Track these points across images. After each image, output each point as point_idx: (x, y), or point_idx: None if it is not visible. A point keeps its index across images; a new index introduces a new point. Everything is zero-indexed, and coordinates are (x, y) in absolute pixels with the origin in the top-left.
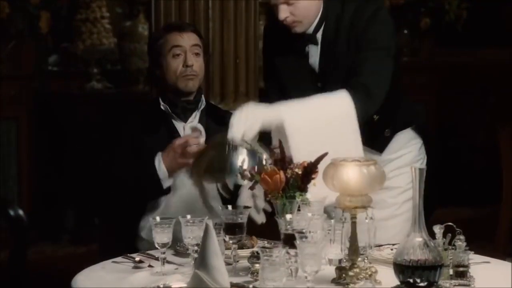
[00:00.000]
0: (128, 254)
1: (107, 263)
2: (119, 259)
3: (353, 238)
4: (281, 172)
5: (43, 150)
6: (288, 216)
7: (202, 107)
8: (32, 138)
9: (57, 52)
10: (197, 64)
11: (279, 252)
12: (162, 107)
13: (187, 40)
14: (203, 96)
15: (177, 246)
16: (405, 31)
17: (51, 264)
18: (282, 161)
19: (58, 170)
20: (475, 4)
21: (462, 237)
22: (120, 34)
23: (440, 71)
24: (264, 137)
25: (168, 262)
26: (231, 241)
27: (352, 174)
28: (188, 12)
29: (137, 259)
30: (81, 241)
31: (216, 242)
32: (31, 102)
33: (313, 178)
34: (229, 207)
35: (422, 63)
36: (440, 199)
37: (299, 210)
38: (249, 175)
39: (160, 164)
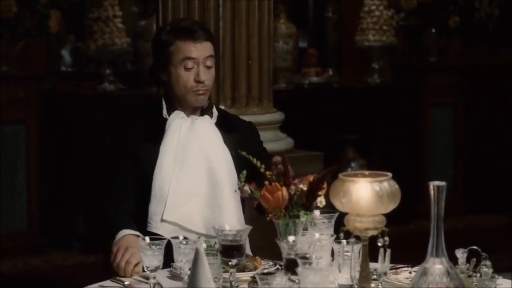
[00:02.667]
0: (117, 277)
1: None
2: (107, 282)
3: (364, 264)
4: (284, 189)
5: (53, 154)
6: (291, 238)
7: (215, 121)
8: (41, 142)
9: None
10: (209, 77)
11: (280, 280)
12: (164, 116)
13: (202, 51)
14: (214, 108)
15: (172, 267)
16: (433, 30)
17: (60, 274)
18: (285, 176)
19: (68, 174)
20: (507, 1)
21: (488, 262)
22: (134, 33)
23: (469, 72)
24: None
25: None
26: (228, 265)
27: (363, 192)
28: (197, 11)
29: (126, 283)
30: (92, 249)
31: (207, 267)
32: (40, 104)
33: (319, 196)
34: (226, 226)
35: (450, 63)
36: (472, 206)
37: (306, 229)
38: (248, 190)
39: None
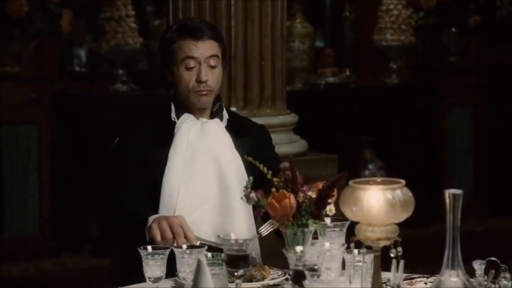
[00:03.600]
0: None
1: None
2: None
3: (376, 276)
4: (292, 196)
5: (65, 156)
6: (299, 249)
7: (225, 124)
8: (53, 143)
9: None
10: (213, 77)
11: None
12: (173, 119)
13: (203, 50)
14: (224, 111)
15: (176, 277)
16: (453, 30)
17: (71, 277)
18: (293, 182)
19: (81, 176)
20: None
21: (507, 274)
22: (148, 33)
23: (489, 72)
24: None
25: None
26: (234, 275)
27: (374, 200)
28: (208, 10)
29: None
30: (104, 253)
31: (209, 279)
32: (52, 105)
33: (329, 203)
34: (232, 235)
35: (470, 63)
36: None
37: (316, 237)
38: (255, 198)
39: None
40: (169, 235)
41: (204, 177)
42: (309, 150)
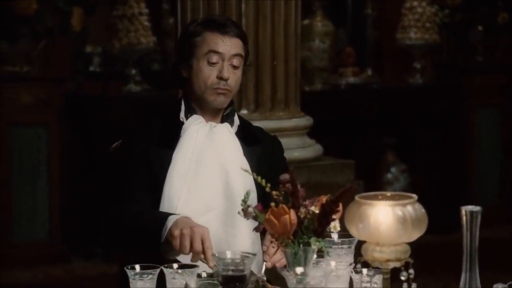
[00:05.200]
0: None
1: None
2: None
3: None
4: (292, 212)
5: (75, 158)
6: (299, 270)
7: (235, 130)
8: (63, 145)
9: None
10: (234, 77)
11: None
12: (181, 119)
13: (229, 47)
14: (236, 116)
15: None
16: (480, 27)
17: (81, 284)
18: (294, 196)
19: (92, 179)
20: None
21: None
22: (163, 32)
23: None
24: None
25: None
26: None
27: (383, 217)
28: (218, 7)
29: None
30: (115, 258)
31: None
32: (63, 106)
33: (333, 220)
34: (228, 254)
35: (498, 63)
36: None
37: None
38: (253, 213)
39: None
40: (187, 247)
41: (208, 183)
42: (326, 154)
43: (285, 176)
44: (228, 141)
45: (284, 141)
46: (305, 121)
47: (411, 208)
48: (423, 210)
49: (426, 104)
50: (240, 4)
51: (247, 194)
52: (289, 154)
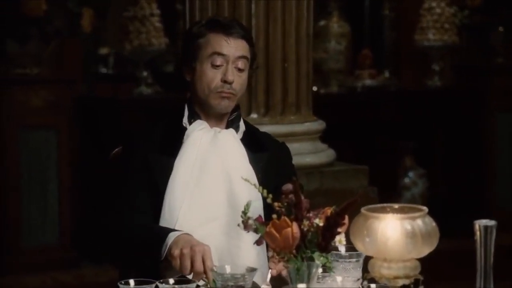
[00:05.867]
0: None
1: None
2: None
3: None
4: (294, 224)
5: (86, 162)
6: (302, 286)
7: (240, 137)
8: (73, 149)
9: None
10: (239, 81)
11: None
12: (184, 124)
13: (234, 49)
14: (242, 121)
15: None
16: (500, 29)
17: None
18: (297, 208)
19: (102, 184)
20: None
21: None
22: (176, 33)
23: None
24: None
25: None
26: None
27: (391, 231)
28: (227, 7)
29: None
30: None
31: None
32: (73, 109)
33: (338, 233)
34: (227, 268)
35: None
36: None
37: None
38: (253, 225)
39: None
40: (188, 267)
41: (211, 192)
42: (342, 158)
43: (288, 186)
44: (233, 148)
45: (296, 146)
46: (317, 125)
47: (421, 221)
48: (434, 224)
49: (444, 107)
50: (250, 4)
51: (247, 205)
52: (300, 160)
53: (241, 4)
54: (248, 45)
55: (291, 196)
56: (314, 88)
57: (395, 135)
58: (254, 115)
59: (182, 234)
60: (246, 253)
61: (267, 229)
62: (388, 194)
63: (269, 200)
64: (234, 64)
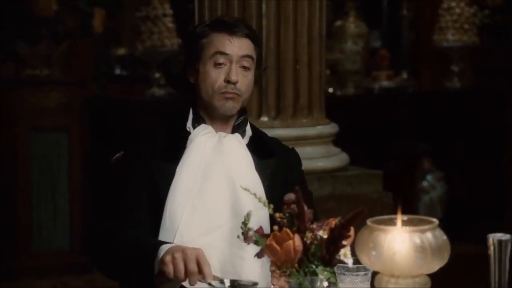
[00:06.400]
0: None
1: None
2: None
3: None
4: (296, 237)
5: (97, 164)
6: None
7: (246, 142)
8: (85, 151)
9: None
10: (244, 81)
11: None
12: (187, 128)
13: (237, 48)
14: (248, 126)
15: None
16: None
17: None
18: (300, 219)
19: (102, 190)
20: None
21: None
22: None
23: None
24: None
25: None
26: None
27: (398, 244)
28: (237, 7)
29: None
30: None
31: None
32: (84, 111)
33: (343, 246)
34: (226, 282)
35: None
36: None
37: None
38: (253, 237)
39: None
40: (182, 270)
41: (215, 199)
42: (358, 160)
43: (290, 196)
44: (238, 154)
45: (308, 150)
46: (330, 128)
47: (431, 234)
48: (445, 237)
49: (464, 109)
50: (261, 4)
51: (248, 215)
52: (312, 164)
53: (251, 3)
54: (253, 45)
55: (293, 206)
56: (330, 90)
57: (413, 137)
58: (264, 118)
59: (174, 245)
60: (250, 265)
61: (268, 242)
62: (405, 198)
63: (270, 211)
64: (238, 64)
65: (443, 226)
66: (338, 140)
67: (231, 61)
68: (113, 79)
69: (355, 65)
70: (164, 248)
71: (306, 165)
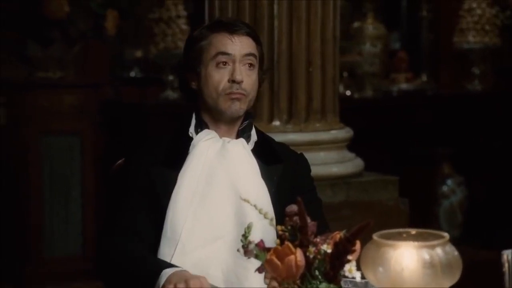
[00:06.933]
0: None
1: None
2: None
3: None
4: (299, 251)
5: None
6: None
7: (251, 147)
8: (98, 156)
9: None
10: (249, 81)
11: None
12: (190, 134)
13: (239, 46)
14: (254, 131)
15: None
16: None
17: None
18: (302, 232)
19: (104, 199)
20: None
21: None
22: None
23: None
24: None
25: None
26: None
27: (406, 260)
28: (248, 8)
29: None
30: None
31: None
32: (97, 114)
33: (348, 261)
34: None
35: None
36: None
37: None
38: (254, 252)
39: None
40: None
41: (218, 207)
42: (373, 165)
43: (292, 207)
44: (242, 160)
45: (321, 155)
46: (344, 133)
47: (441, 250)
48: (456, 253)
49: (485, 112)
50: (273, 4)
51: (248, 227)
52: (326, 170)
53: (263, 3)
54: (255, 43)
55: (295, 218)
56: (348, 93)
57: (432, 141)
58: (276, 122)
59: (176, 270)
60: (254, 276)
61: (268, 257)
62: (424, 203)
63: (271, 224)
64: (241, 63)
65: (463, 231)
66: (355, 144)
67: (234, 60)
68: (127, 82)
69: (373, 67)
70: (165, 275)
71: (319, 171)
